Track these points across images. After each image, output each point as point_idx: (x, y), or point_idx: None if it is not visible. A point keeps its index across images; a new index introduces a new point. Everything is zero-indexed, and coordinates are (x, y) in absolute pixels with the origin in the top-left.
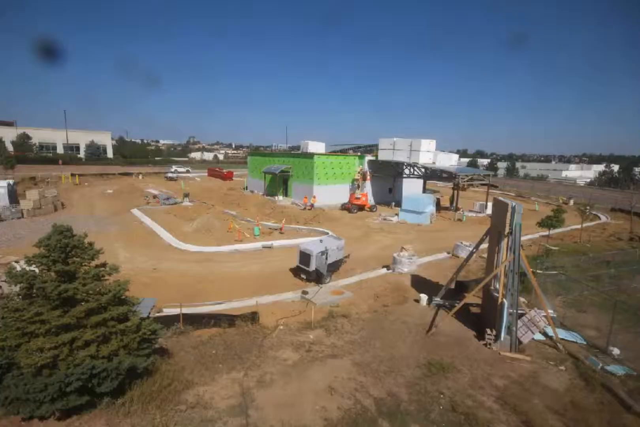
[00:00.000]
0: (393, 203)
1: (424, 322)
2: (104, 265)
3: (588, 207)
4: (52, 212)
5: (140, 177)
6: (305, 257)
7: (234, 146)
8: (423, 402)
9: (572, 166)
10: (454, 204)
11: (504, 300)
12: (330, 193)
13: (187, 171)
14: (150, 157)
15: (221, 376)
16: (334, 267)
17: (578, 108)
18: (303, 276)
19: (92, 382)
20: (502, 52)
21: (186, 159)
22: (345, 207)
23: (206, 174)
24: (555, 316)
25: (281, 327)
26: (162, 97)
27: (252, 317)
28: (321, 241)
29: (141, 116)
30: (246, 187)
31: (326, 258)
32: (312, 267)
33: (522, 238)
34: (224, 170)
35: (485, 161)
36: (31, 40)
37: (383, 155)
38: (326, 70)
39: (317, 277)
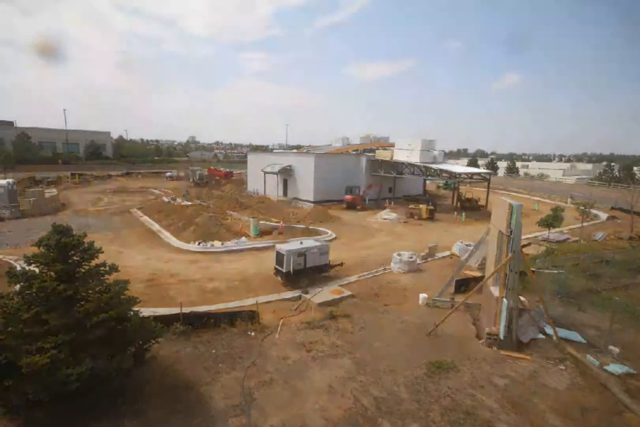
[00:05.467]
0: (393, 202)
1: (423, 322)
2: (103, 264)
3: (588, 207)
4: (52, 212)
5: (140, 176)
6: (280, 257)
7: (233, 145)
8: (423, 402)
9: (577, 165)
10: (455, 203)
11: (504, 299)
12: (330, 192)
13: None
14: (150, 157)
15: (221, 375)
16: (316, 271)
17: (578, 107)
18: (279, 278)
19: (92, 383)
20: (502, 51)
21: (186, 158)
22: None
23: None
24: (554, 315)
25: (281, 326)
26: (162, 96)
27: (252, 316)
28: (301, 242)
29: (141, 115)
30: (246, 186)
31: (304, 260)
32: (286, 268)
33: (522, 237)
34: (225, 170)
35: (485, 160)
36: (31, 39)
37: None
38: (326, 69)
39: (293, 280)
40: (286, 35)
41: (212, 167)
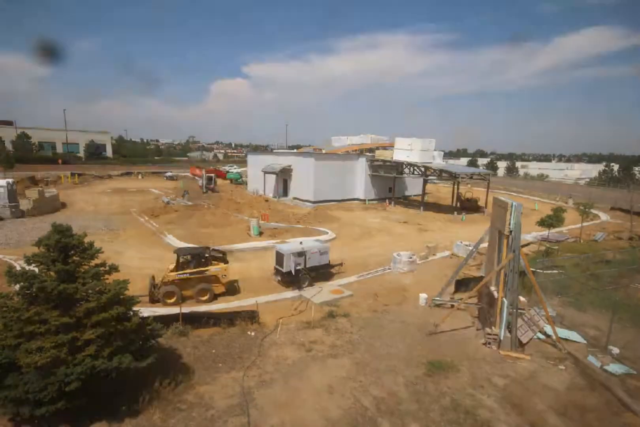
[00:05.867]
0: (393, 202)
1: (423, 322)
2: (103, 264)
3: (588, 207)
4: (52, 211)
5: (140, 176)
6: (279, 257)
7: (233, 145)
8: (423, 402)
9: (575, 165)
10: (455, 203)
11: (504, 299)
12: (330, 192)
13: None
14: (150, 157)
15: (221, 375)
16: (316, 271)
17: (578, 107)
18: (278, 278)
19: (92, 382)
20: (502, 50)
21: (186, 158)
22: None
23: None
24: (554, 315)
25: (281, 326)
26: (162, 96)
27: (252, 316)
28: (301, 242)
29: (141, 116)
30: (246, 186)
31: (304, 260)
32: (286, 268)
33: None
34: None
35: (485, 160)
36: (31, 39)
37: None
38: (325, 69)
39: (293, 280)
40: None
41: (193, 166)
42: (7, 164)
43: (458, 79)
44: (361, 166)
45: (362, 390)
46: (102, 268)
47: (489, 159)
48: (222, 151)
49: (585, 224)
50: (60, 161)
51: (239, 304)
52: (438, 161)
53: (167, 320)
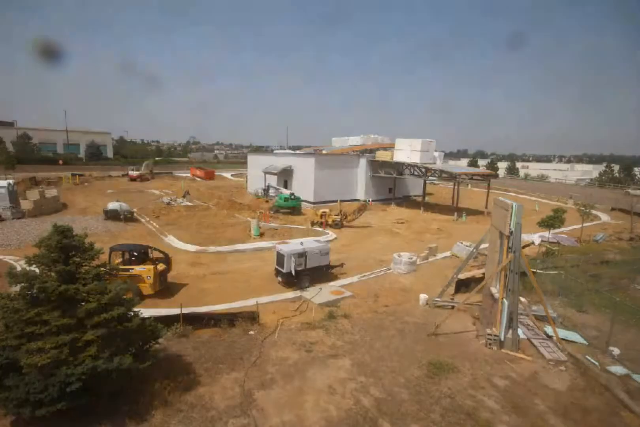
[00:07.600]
0: (393, 203)
1: (424, 322)
2: (104, 265)
3: (588, 208)
4: (53, 212)
5: None
6: (280, 258)
7: (234, 146)
8: (423, 402)
9: (577, 166)
10: (454, 204)
11: (504, 300)
12: (330, 192)
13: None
14: (151, 158)
15: (222, 376)
16: (316, 272)
17: (578, 108)
18: (279, 279)
19: (93, 383)
20: (502, 51)
21: (186, 159)
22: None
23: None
24: (555, 315)
25: (281, 327)
26: (162, 96)
27: (253, 317)
28: (302, 243)
29: (141, 116)
30: (246, 187)
31: (305, 261)
32: (287, 269)
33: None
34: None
35: (485, 161)
36: (31, 39)
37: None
38: (325, 70)
39: (293, 281)
40: None
41: (192, 167)
42: (8, 165)
43: None
44: (361, 167)
45: (363, 391)
46: (102, 269)
47: (489, 160)
48: (223, 152)
49: (585, 224)
50: (60, 162)
51: (240, 304)
52: (438, 162)
53: (167, 321)
